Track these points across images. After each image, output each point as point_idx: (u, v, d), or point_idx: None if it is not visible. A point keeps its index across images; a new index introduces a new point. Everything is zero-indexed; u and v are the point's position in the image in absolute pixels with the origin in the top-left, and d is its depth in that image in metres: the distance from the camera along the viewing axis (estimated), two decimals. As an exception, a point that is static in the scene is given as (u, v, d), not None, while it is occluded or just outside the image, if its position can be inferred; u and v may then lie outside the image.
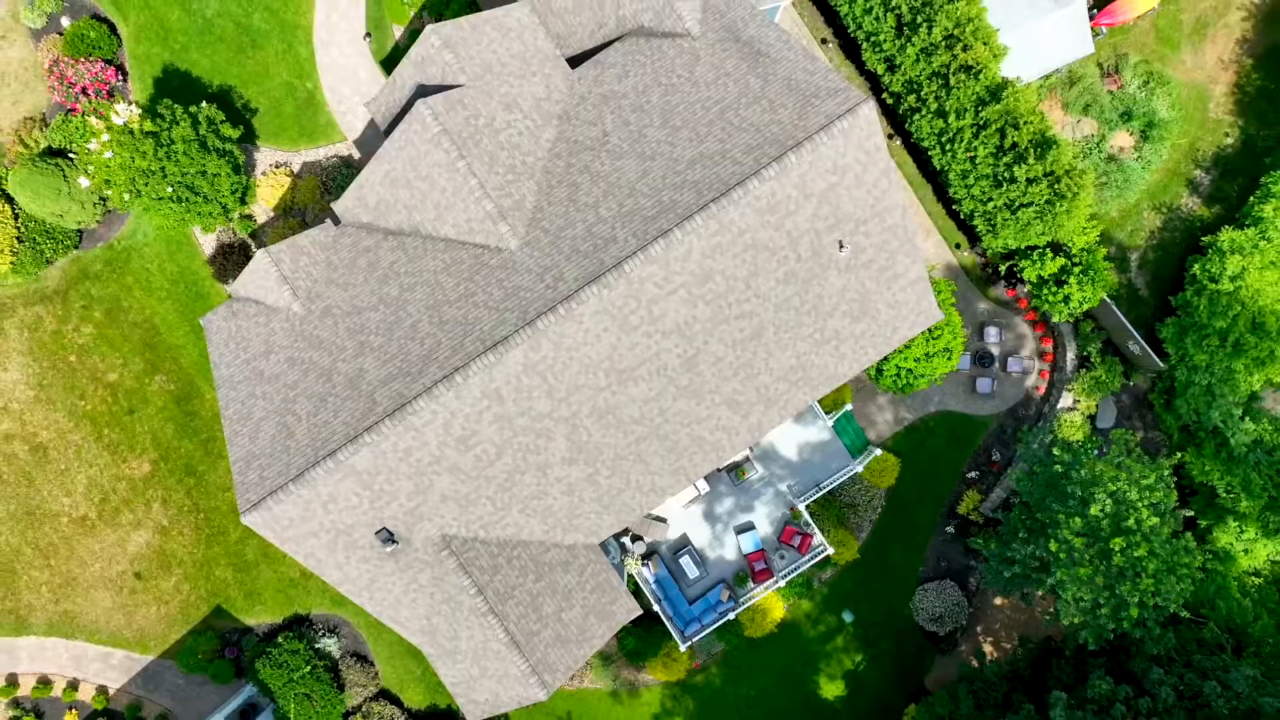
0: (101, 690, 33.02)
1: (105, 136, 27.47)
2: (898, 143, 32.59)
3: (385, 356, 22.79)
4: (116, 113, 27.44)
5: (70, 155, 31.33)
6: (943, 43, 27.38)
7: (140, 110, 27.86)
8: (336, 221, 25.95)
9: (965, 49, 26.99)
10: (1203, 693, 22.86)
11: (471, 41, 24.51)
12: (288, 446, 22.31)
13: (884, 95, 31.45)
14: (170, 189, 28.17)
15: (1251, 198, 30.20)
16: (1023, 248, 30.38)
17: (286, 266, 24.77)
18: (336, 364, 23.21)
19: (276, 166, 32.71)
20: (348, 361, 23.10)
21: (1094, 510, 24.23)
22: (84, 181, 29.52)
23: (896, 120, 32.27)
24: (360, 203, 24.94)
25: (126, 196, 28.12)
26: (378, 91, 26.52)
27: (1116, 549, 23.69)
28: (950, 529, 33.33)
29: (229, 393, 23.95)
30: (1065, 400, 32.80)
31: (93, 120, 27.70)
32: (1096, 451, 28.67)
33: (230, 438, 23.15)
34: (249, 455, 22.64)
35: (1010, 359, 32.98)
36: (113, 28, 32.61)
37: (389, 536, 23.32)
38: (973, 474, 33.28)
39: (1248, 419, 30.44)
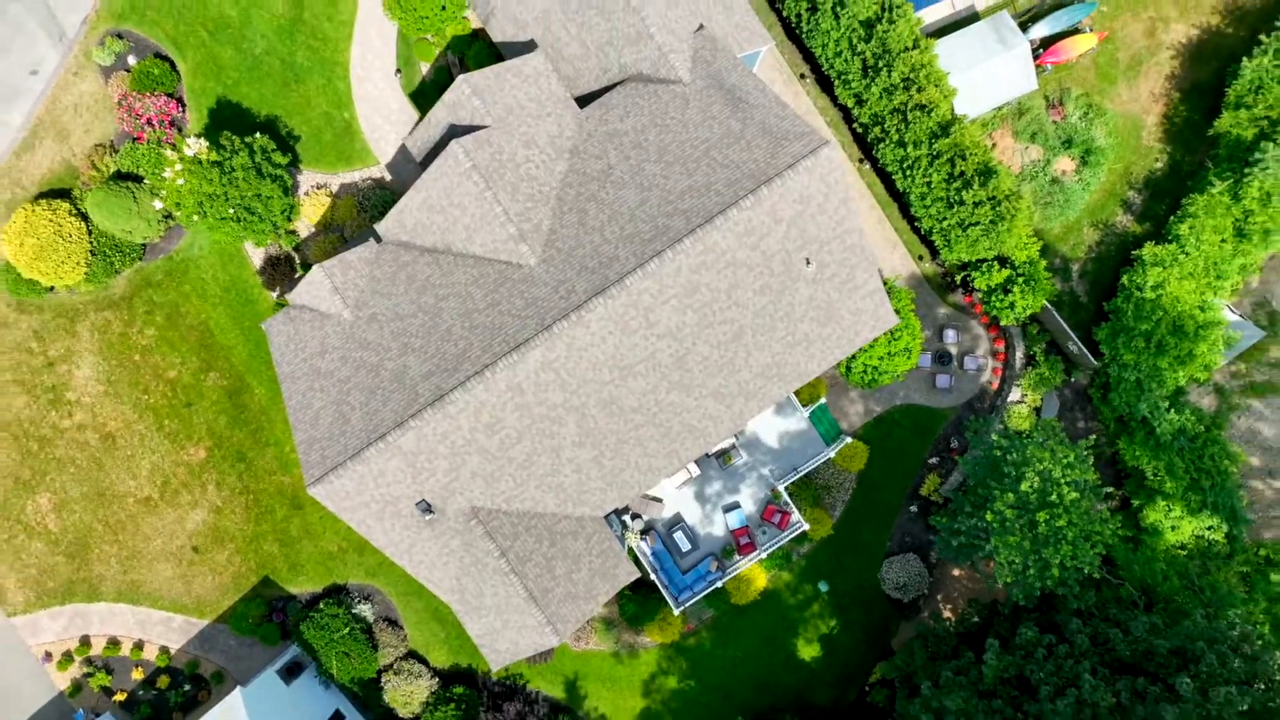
0: (164, 650, 37.36)
1: (178, 165, 31.72)
2: (867, 166, 36.87)
3: (425, 355, 27.11)
4: (188, 145, 31.69)
5: (138, 178, 35.67)
6: (901, 84, 31.67)
7: (207, 143, 32.07)
8: (379, 239, 30.21)
9: (919, 90, 31.27)
10: (1105, 635, 27.17)
11: (495, 88, 28.80)
12: (344, 431, 26.63)
13: (855, 125, 35.73)
14: (231, 210, 32.48)
15: (1172, 217, 34.48)
16: (974, 260, 34.66)
17: (338, 279, 29.06)
18: (383, 362, 27.52)
19: (317, 187, 36.99)
20: (393, 360, 27.42)
21: (1024, 486, 28.56)
22: (157, 204, 33.81)
23: (866, 146, 36.55)
24: (400, 224, 29.23)
25: (195, 218, 32.42)
26: (415, 128, 30.70)
27: (1041, 520, 28.03)
28: (913, 508, 37.64)
29: (291, 386, 28.27)
30: (1014, 394, 37.12)
31: (167, 152, 31.92)
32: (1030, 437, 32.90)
33: (294, 424, 27.46)
34: (311, 439, 26.96)
35: (967, 358, 37.29)
36: (173, 65, 36.87)
37: (427, 507, 27.66)
38: (933, 460, 37.59)
39: (1172, 411, 34.76)
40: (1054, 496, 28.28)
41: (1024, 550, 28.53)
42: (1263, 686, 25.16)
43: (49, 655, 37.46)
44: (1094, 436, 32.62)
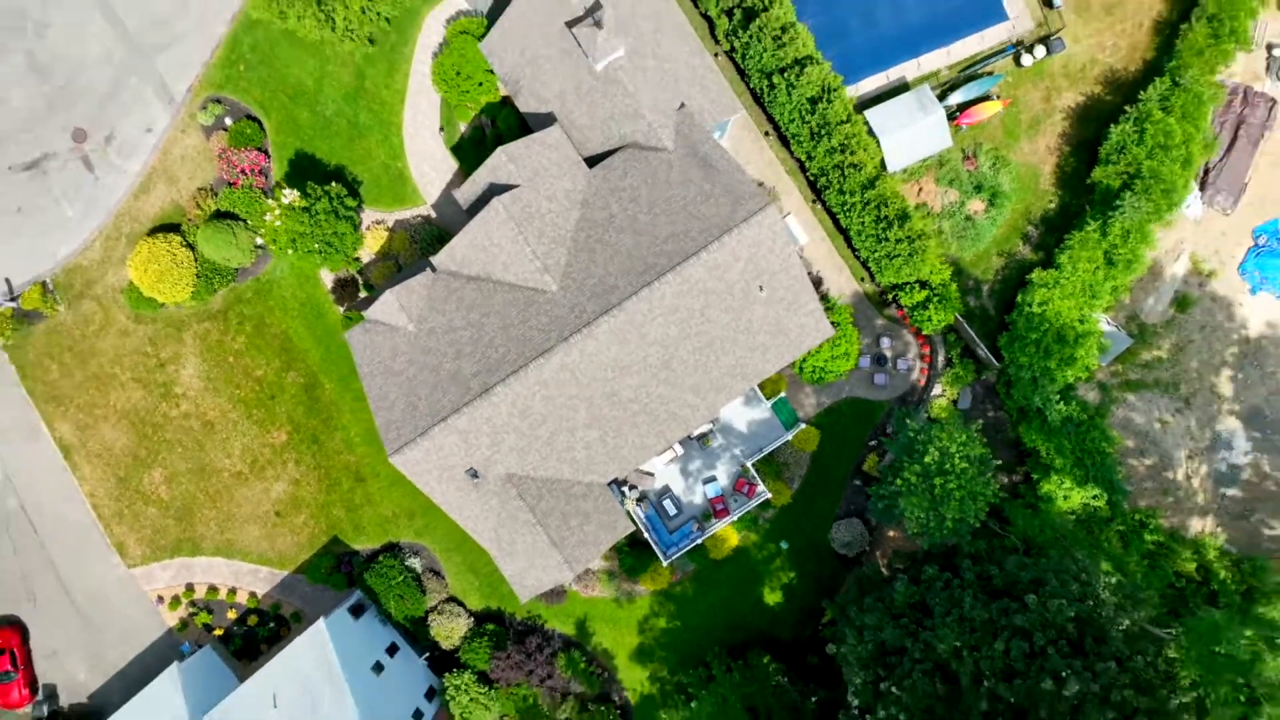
0: (253, 595, 46.42)
1: (276, 210, 40.73)
2: (819, 206, 45.80)
3: (473, 359, 36.12)
4: (284, 195, 40.70)
5: (234, 216, 44.69)
6: (838, 147, 40.67)
7: (297, 193, 41.07)
8: (433, 269, 39.20)
9: (852, 153, 40.28)
10: (988, 572, 36.16)
11: (525, 154, 37.82)
12: (413, 415, 35.65)
13: (808, 174, 44.66)
14: (316, 245, 41.52)
15: (1056, 248, 43.42)
16: (900, 282, 43.62)
17: (404, 300, 38.06)
18: (441, 364, 36.54)
19: (377, 223, 45.99)
20: (449, 362, 36.43)
21: (926, 459, 37.57)
22: (258, 240, 42.89)
23: (817, 191, 45.48)
24: (451, 258, 38.21)
25: (288, 251, 41.45)
26: (463, 184, 39.57)
27: (937, 484, 37.05)
28: (857, 482, 46.62)
29: (370, 382, 37.29)
30: (937, 390, 46.10)
31: (268, 200, 40.94)
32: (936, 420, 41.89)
33: (375, 410, 36.46)
34: (388, 421, 35.99)
35: (899, 360, 46.26)
36: (261, 124, 45.88)
37: (474, 473, 36.69)
38: (873, 443, 46.56)
39: (1061, 403, 43.68)
40: (948, 466, 37.29)
41: (925, 508, 37.56)
42: (1091, 603, 34.11)
43: (160, 599, 46.57)
44: (981, 422, 41.53)
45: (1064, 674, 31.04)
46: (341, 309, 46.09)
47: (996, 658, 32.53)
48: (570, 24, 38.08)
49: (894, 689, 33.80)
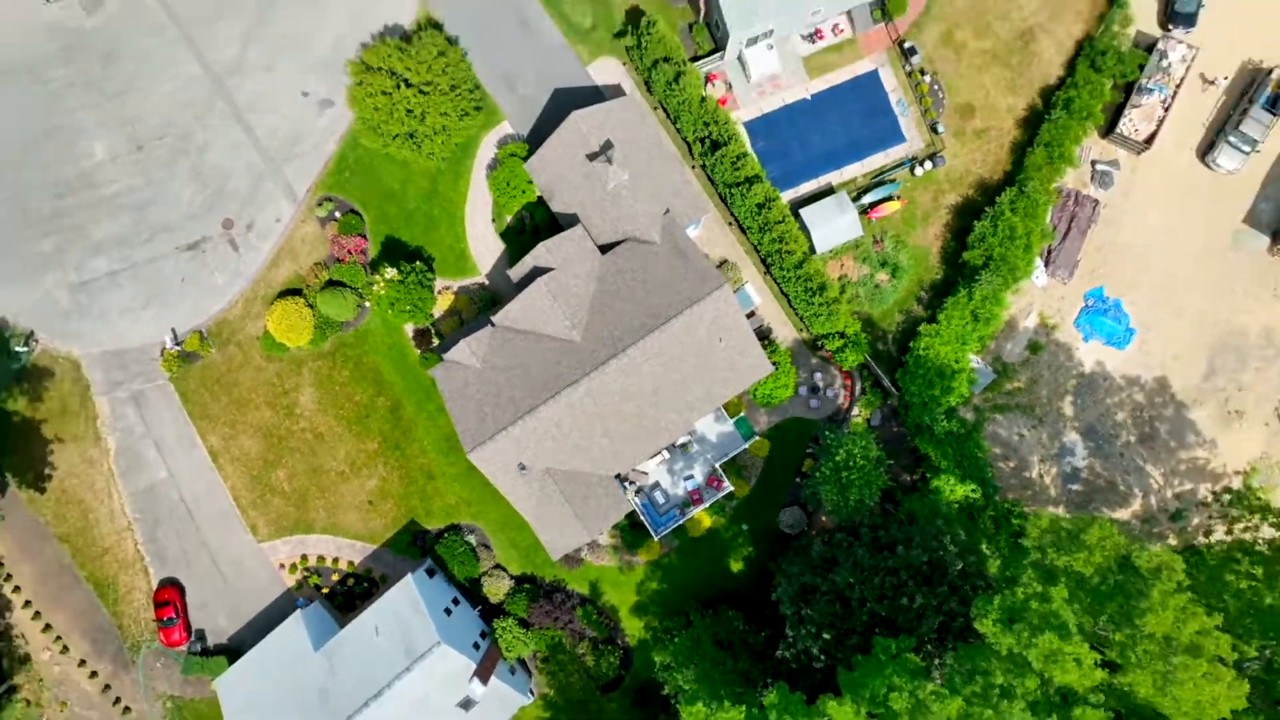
0: (351, 563, 62.70)
1: (381, 282, 57.53)
2: (769, 277, 62.53)
3: (523, 388, 52.69)
4: (386, 272, 57.52)
5: (343, 284, 61.49)
6: (777, 238, 57.61)
7: (395, 270, 57.85)
8: (492, 324, 55.85)
9: (786, 243, 57.22)
10: (879, 535, 52.51)
11: (559, 246, 54.68)
12: (482, 426, 52.17)
13: (760, 253, 61.46)
14: (407, 307, 58.30)
15: (939, 308, 60.08)
16: (825, 332, 60.33)
17: (473, 346, 54.70)
18: (500, 391, 53.14)
19: (444, 288, 62.75)
20: (505, 390, 53.03)
21: (838, 458, 54.07)
22: (366, 305, 59.78)
23: (767, 266, 62.26)
24: (506, 317, 54.90)
25: (388, 312, 58.18)
26: (516, 265, 56.09)
27: (844, 476, 53.54)
28: (798, 479, 63.03)
29: (451, 403, 53.79)
30: (856, 411, 62.64)
31: (374, 276, 57.80)
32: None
33: (455, 422, 52.94)
34: (465, 430, 52.49)
35: (828, 389, 62.81)
36: (361, 216, 62.80)
37: (522, 466, 53.17)
38: (809, 450, 63.01)
39: (945, 421, 60.19)
40: (852, 463, 53.82)
41: (836, 493, 54.04)
42: (940, 553, 50.48)
43: (282, 566, 62.81)
44: (878, 432, 58.08)
45: (916, 596, 47.39)
46: (419, 351, 62.72)
47: (875, 587, 48.87)
48: (590, 157, 55.12)
49: (809, 611, 50.09)
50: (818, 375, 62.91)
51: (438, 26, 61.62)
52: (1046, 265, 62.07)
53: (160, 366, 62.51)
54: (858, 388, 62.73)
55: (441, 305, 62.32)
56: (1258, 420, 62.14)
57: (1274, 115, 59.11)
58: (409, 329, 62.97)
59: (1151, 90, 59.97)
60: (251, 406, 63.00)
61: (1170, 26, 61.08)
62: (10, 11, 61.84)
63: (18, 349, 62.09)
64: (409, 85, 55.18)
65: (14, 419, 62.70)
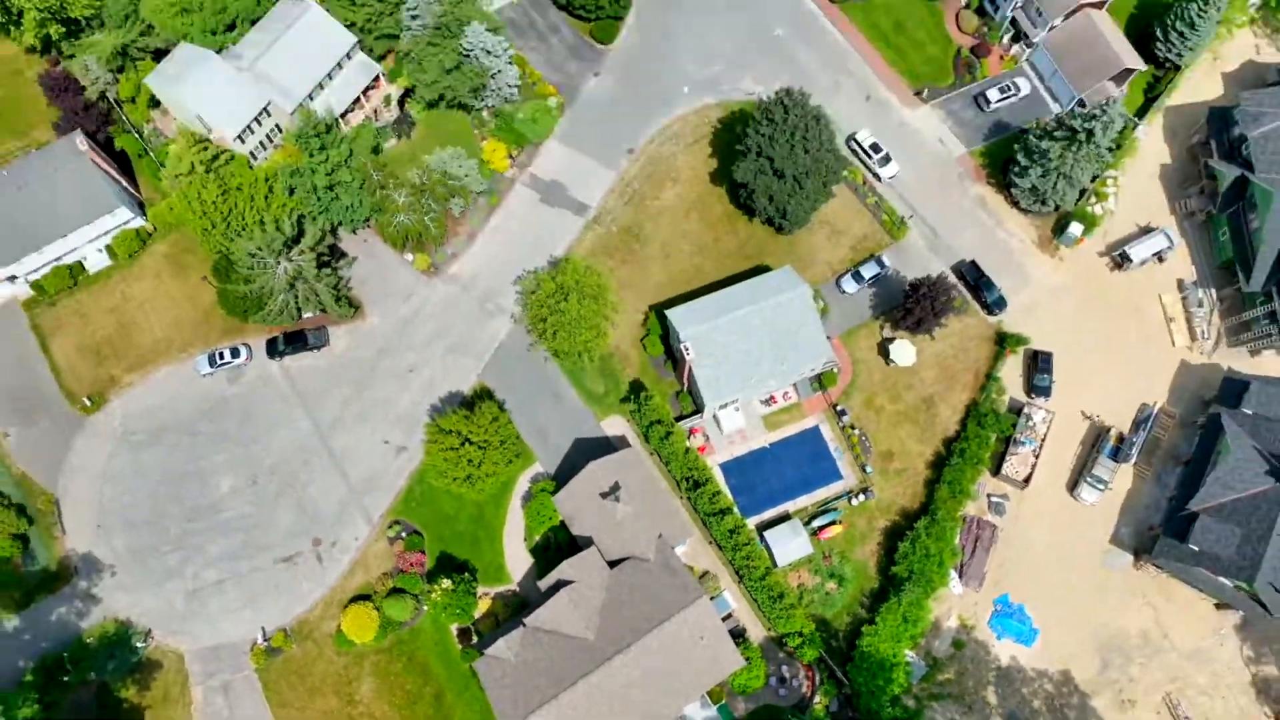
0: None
1: (439, 591, 73.84)
2: (742, 584, 78.65)
3: (548, 677, 67.20)
4: (442, 584, 74.03)
5: (403, 591, 77.63)
6: (745, 556, 74.70)
7: (450, 581, 74.34)
8: (524, 626, 71.35)
9: (751, 560, 74.31)
10: None
11: (578, 565, 71.64)
12: (517, 710, 66.10)
13: (734, 567, 78.10)
14: (458, 610, 74.12)
15: (877, 612, 75.61)
16: (787, 631, 75.39)
17: (509, 644, 69.86)
18: (531, 679, 67.55)
19: (484, 594, 78.66)
20: (535, 678, 67.47)
21: (798, 737, 67.33)
22: (423, 608, 75.88)
23: (740, 576, 78.61)
24: (536, 620, 70.57)
25: (442, 616, 73.99)
26: (545, 577, 72.78)
27: None
28: None
29: (490, 690, 68.06)
30: (817, 699, 75.97)
31: (433, 586, 74.28)
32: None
33: (494, 705, 66.84)
34: (502, 712, 66.39)
35: (794, 680, 76.51)
36: (422, 535, 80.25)
37: (546, 744, 66.50)
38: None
39: (890, 708, 73.53)
40: (809, 741, 67.02)
41: None
42: None
43: None
44: (831, 719, 71.59)
45: None
46: (460, 646, 77.47)
47: None
48: (603, 495, 73.80)
49: None
50: (784, 667, 77.15)
51: (490, 394, 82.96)
52: (960, 576, 78.60)
53: (249, 659, 76.92)
54: (817, 678, 76.77)
55: (481, 608, 78.00)
56: (1148, 708, 75.69)
57: (1116, 462, 78.73)
58: (454, 628, 78.14)
59: (1023, 442, 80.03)
60: (320, 694, 76.59)
61: (1032, 396, 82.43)
62: (174, 383, 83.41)
63: (137, 644, 76.88)
64: (470, 443, 75.00)
65: (124, 706, 76.11)
